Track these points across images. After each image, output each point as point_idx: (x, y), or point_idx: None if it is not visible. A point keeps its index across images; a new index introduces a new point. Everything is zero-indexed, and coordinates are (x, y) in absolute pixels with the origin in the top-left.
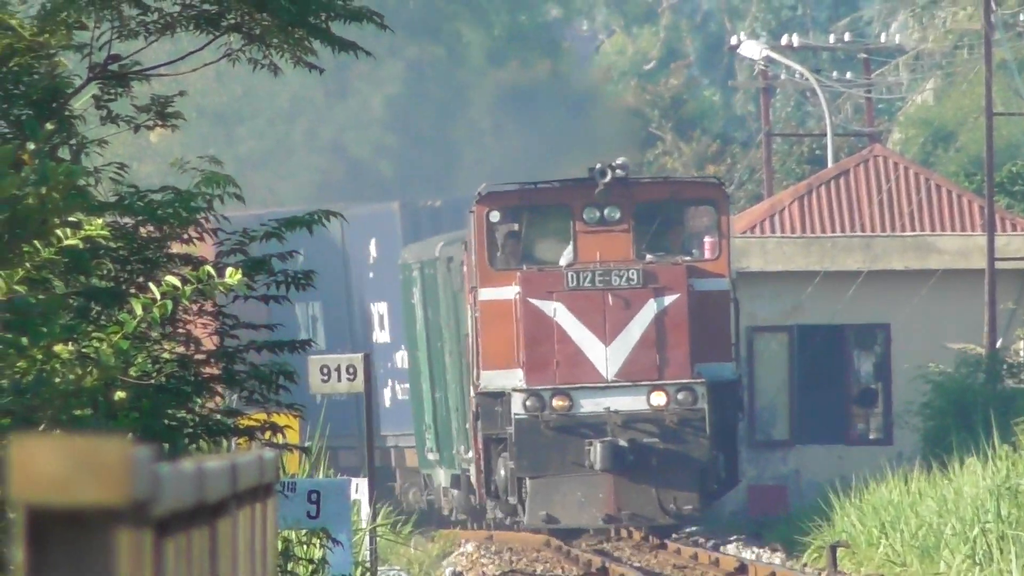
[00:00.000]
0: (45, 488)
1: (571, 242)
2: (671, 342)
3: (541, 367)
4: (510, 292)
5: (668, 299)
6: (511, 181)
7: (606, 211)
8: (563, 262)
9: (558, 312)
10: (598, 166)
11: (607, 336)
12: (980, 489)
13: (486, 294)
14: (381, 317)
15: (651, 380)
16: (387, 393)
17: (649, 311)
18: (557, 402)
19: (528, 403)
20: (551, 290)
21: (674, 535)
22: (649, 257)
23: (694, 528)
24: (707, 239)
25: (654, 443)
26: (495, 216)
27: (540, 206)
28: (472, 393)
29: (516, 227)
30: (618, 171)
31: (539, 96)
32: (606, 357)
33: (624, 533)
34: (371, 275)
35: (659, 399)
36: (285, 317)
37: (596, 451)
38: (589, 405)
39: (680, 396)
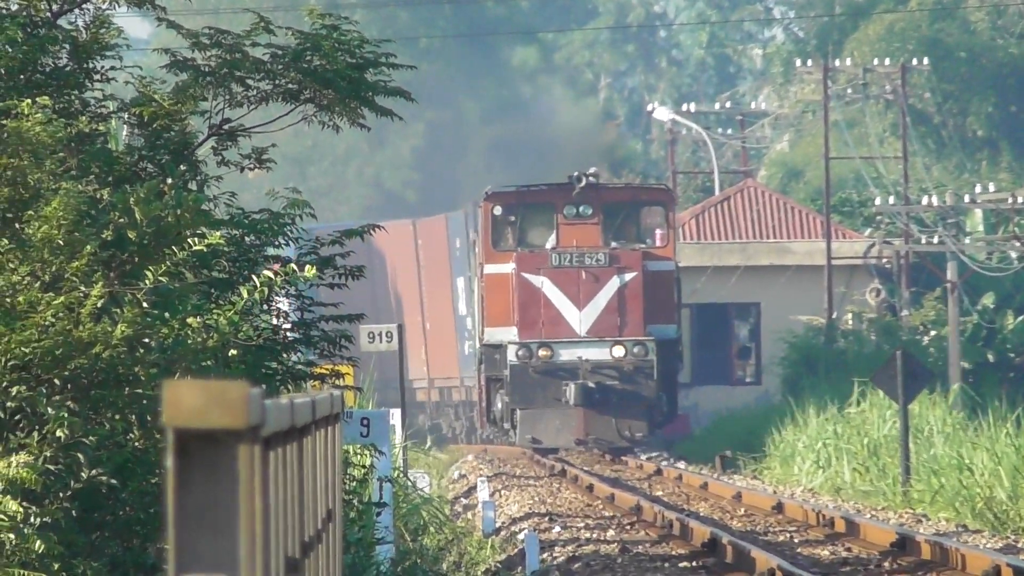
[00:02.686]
0: (188, 416)
1: (555, 231)
2: (629, 308)
3: (530, 325)
4: (508, 268)
5: (628, 276)
6: (510, 184)
7: (581, 208)
8: (548, 246)
9: (544, 284)
10: (575, 173)
11: (581, 303)
12: (822, 416)
13: (490, 269)
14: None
15: (613, 337)
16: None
17: (613, 285)
18: (542, 352)
19: (520, 353)
20: (539, 267)
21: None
22: (614, 244)
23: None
24: (658, 231)
25: (614, 385)
26: (498, 210)
27: (531, 203)
28: (478, 345)
29: (513, 218)
30: (591, 177)
31: (519, 146)
32: (579, 319)
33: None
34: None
35: (619, 351)
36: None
37: (571, 390)
38: (566, 355)
39: (635, 349)
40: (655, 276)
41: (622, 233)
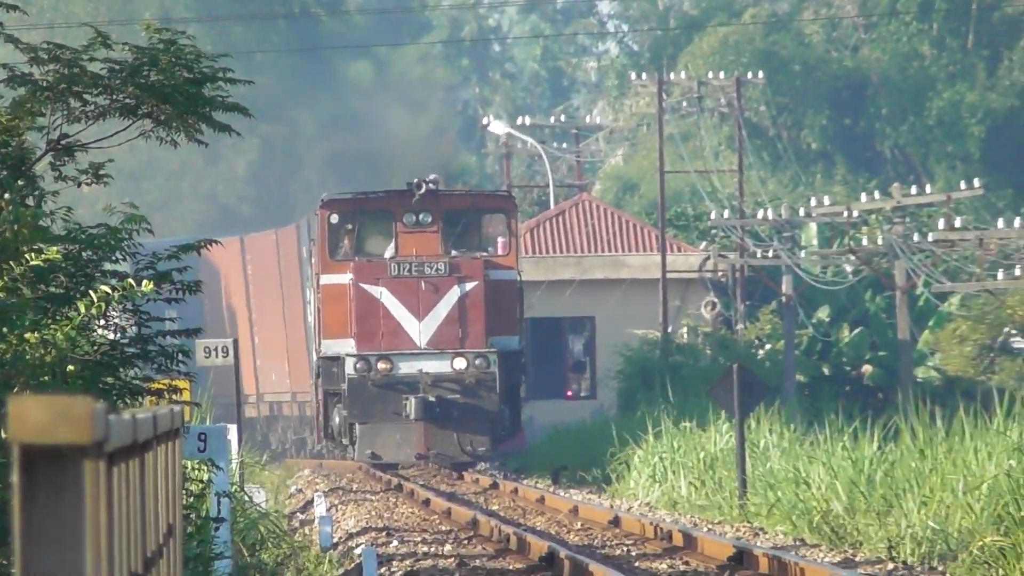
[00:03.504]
0: (33, 431)
1: (393, 239)
2: (470, 319)
3: (369, 337)
4: (345, 278)
5: (469, 285)
6: (348, 191)
7: (420, 216)
8: (387, 255)
9: (383, 295)
10: (415, 180)
11: (420, 313)
12: (662, 428)
13: (326, 279)
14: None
15: (454, 349)
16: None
17: (454, 295)
18: (381, 364)
19: (358, 365)
20: (378, 277)
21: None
22: (454, 252)
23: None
24: (500, 239)
25: (456, 398)
26: (334, 218)
27: (369, 211)
28: (315, 357)
29: (351, 227)
30: (430, 184)
31: (354, 160)
32: (419, 330)
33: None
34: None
35: (460, 363)
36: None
37: (411, 404)
38: (406, 367)
39: (477, 362)
40: (497, 285)
41: (463, 242)
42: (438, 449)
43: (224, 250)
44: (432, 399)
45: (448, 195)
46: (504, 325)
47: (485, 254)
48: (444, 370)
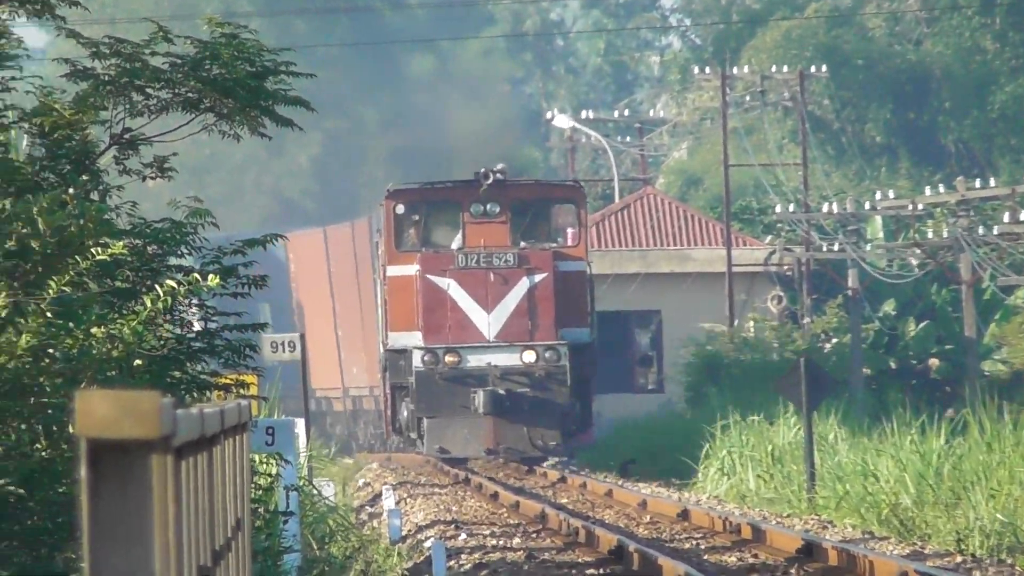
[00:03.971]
0: (100, 426)
1: (460, 230)
2: (540, 311)
3: (436, 330)
4: (412, 269)
5: (538, 277)
6: (414, 181)
7: (488, 206)
8: (454, 246)
9: (451, 286)
10: (482, 170)
11: (489, 306)
12: (729, 421)
13: (393, 271)
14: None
15: (523, 341)
16: None
17: (523, 287)
18: (449, 358)
19: (425, 358)
20: (445, 268)
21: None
22: (523, 243)
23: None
24: (569, 230)
25: (525, 392)
26: (400, 208)
27: (436, 201)
28: (381, 350)
29: (417, 217)
30: (498, 174)
31: (417, 154)
32: (488, 322)
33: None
34: None
35: (530, 356)
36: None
37: (479, 397)
38: (474, 360)
39: (547, 354)
40: (567, 277)
41: (531, 232)
42: (508, 443)
43: (299, 243)
44: (501, 392)
45: (516, 185)
46: (574, 317)
47: (554, 245)
48: (513, 363)
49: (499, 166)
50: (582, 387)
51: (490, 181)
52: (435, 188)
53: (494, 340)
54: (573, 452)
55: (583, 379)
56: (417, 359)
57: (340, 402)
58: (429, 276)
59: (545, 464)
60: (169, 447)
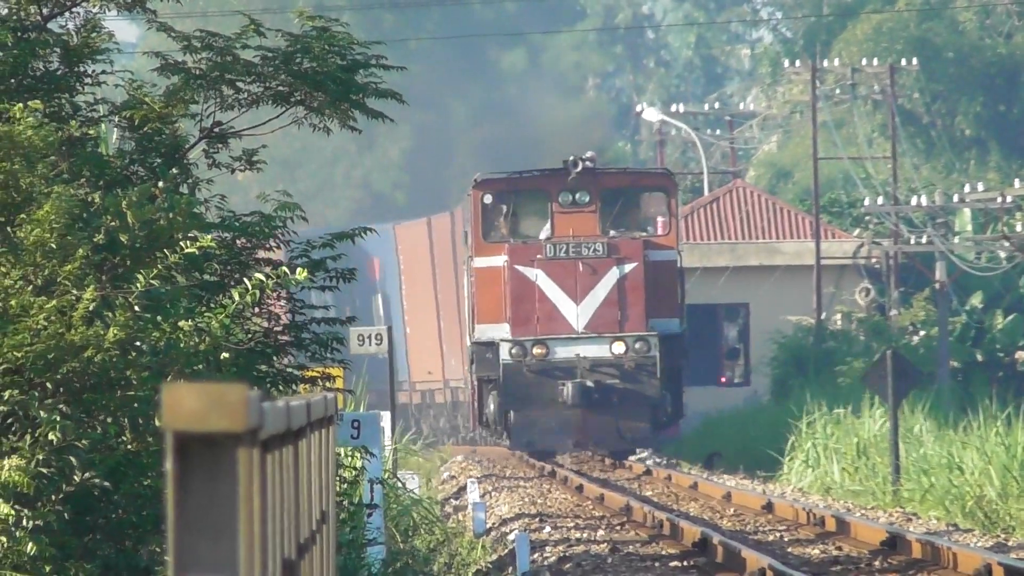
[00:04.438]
0: (187, 419)
1: (549, 220)
2: (630, 301)
3: (524, 321)
4: (499, 260)
5: (627, 267)
6: (501, 171)
7: (577, 195)
8: (543, 236)
9: (538, 277)
10: (571, 158)
11: (578, 296)
12: (814, 415)
13: (480, 262)
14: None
15: (613, 332)
16: None
17: (612, 277)
18: (536, 350)
19: (513, 351)
20: (533, 259)
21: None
22: (612, 233)
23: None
24: (659, 219)
25: (615, 384)
26: (487, 199)
27: (524, 191)
28: (468, 343)
29: (505, 207)
30: (587, 162)
31: (506, 147)
32: (576, 314)
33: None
34: None
35: (619, 348)
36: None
37: (568, 390)
38: (562, 352)
39: (637, 346)
40: (657, 266)
41: (621, 221)
42: (596, 436)
43: (406, 234)
44: (590, 384)
45: (605, 173)
46: (664, 307)
47: (644, 234)
48: (602, 355)
49: (588, 154)
50: (673, 378)
51: (579, 169)
52: (523, 177)
53: (583, 331)
54: (659, 445)
55: (674, 370)
56: (505, 352)
57: (442, 393)
58: (517, 267)
59: (633, 457)
60: (256, 440)
